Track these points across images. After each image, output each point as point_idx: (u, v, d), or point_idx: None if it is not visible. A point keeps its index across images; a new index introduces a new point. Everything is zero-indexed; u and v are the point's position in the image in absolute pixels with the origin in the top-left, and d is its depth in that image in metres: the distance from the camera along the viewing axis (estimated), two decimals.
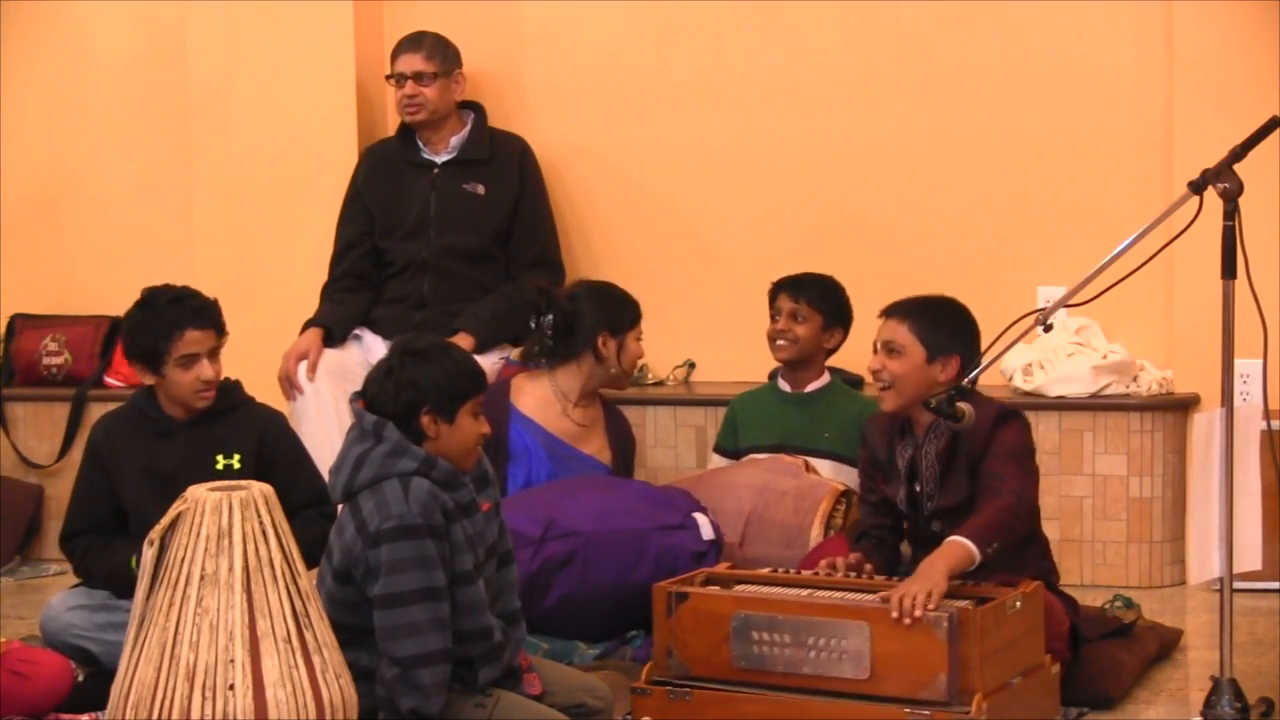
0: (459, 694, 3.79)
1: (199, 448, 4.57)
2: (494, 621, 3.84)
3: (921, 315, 4.39)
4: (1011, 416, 4.32)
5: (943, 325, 4.39)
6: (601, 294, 5.34)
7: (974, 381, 4.22)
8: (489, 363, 5.75)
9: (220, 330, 4.61)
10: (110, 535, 4.61)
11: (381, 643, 3.70)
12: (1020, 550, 4.28)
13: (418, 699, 3.69)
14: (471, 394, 3.88)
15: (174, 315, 4.54)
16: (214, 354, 4.58)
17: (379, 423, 3.81)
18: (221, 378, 4.61)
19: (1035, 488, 4.31)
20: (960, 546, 4.01)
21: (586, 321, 5.23)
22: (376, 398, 3.87)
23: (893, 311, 4.44)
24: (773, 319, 5.41)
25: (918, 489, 4.40)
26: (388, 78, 6.16)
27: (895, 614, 3.86)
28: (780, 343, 5.38)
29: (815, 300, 5.37)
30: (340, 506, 3.87)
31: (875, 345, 4.44)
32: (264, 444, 4.61)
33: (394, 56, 6.14)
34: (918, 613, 3.85)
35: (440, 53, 6.09)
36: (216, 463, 4.55)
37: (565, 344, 5.26)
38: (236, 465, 4.55)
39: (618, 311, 5.28)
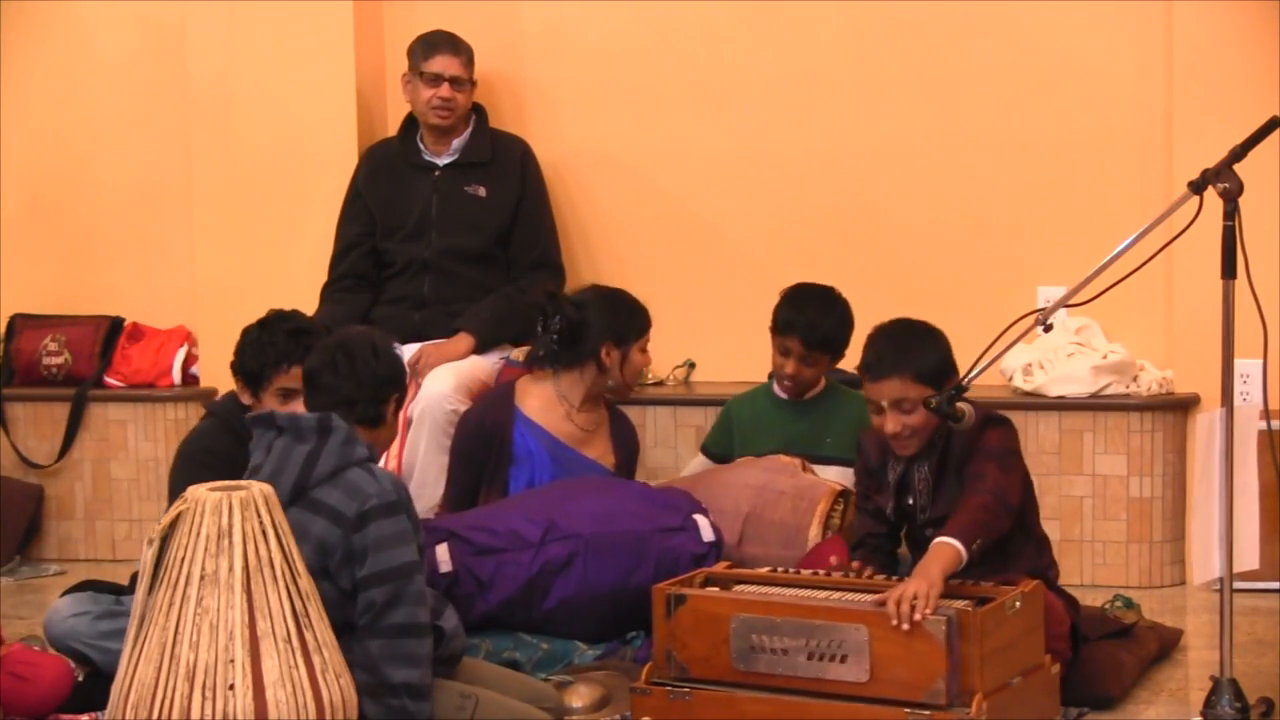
0: (441, 677, 3.83)
1: None
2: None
3: (911, 360, 4.30)
4: (996, 421, 4.32)
5: (931, 357, 4.33)
6: (610, 303, 5.24)
7: (970, 382, 4.21)
8: (489, 362, 5.75)
9: None
10: None
11: (371, 621, 3.69)
12: (1012, 545, 4.30)
13: (410, 671, 3.69)
14: (385, 397, 4.00)
15: (289, 348, 4.48)
16: None
17: (323, 417, 3.82)
18: None
19: (1017, 488, 4.28)
20: (948, 547, 4.02)
21: (593, 330, 5.14)
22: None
23: (883, 369, 4.31)
24: (781, 354, 5.25)
25: (910, 502, 4.42)
26: (418, 74, 6.03)
27: (894, 620, 3.87)
28: (789, 384, 5.29)
29: (828, 346, 5.23)
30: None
31: (879, 406, 4.31)
32: None
33: (426, 54, 6.02)
34: (916, 617, 3.86)
35: (471, 60, 6.05)
36: None
37: (570, 351, 5.16)
38: None
39: (625, 322, 5.18)
